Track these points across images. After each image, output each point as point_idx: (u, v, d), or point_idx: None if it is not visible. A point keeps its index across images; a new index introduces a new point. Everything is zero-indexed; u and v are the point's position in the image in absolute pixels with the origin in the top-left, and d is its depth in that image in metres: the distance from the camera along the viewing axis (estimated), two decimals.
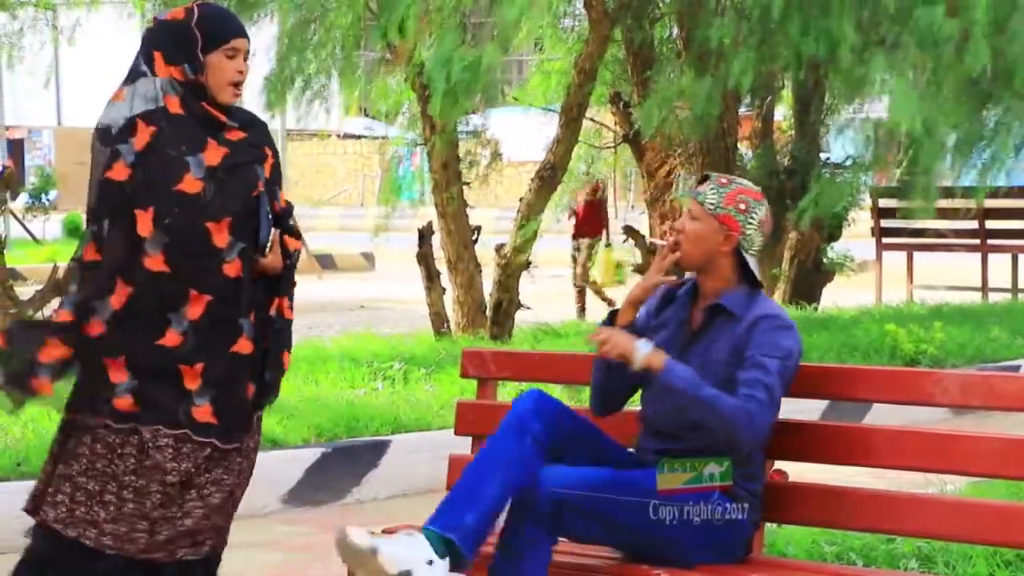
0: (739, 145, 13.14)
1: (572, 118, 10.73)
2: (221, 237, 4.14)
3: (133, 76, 4.21)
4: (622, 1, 10.85)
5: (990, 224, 15.64)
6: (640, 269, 13.13)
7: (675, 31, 12.41)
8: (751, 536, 4.32)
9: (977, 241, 15.68)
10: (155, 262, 4.10)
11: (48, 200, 25.80)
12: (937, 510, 4.24)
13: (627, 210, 26.45)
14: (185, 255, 4.11)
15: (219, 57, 4.18)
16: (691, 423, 4.20)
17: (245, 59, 4.23)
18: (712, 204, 4.33)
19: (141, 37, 4.30)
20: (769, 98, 13.72)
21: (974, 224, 15.63)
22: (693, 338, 4.33)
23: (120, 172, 4.11)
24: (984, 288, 15.57)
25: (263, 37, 11.10)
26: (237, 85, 4.22)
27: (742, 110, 13.68)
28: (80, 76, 27.05)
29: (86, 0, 11.48)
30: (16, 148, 36.96)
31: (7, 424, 7.25)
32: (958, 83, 9.31)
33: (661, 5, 11.67)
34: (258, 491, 7.17)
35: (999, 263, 15.82)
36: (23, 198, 25.52)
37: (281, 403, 7.95)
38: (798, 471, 4.46)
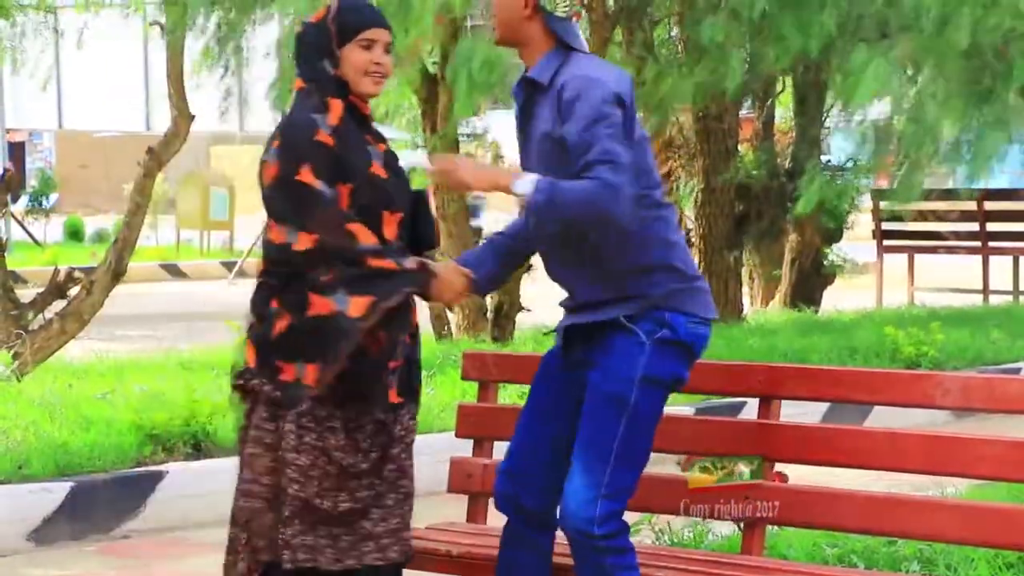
0: (740, 147, 13.14)
1: None
2: (391, 230, 4.13)
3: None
4: (622, 3, 10.86)
5: (991, 226, 15.63)
6: None
7: (675, 32, 12.42)
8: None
9: (978, 243, 15.68)
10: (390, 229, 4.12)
11: (49, 203, 25.81)
12: (939, 513, 4.24)
13: None
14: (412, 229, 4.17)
15: (353, 49, 4.17)
16: (569, 244, 4.05)
17: (386, 51, 4.20)
18: None
19: (295, 40, 4.35)
20: (769, 100, 13.72)
21: (975, 226, 15.63)
22: (523, 122, 4.18)
23: (325, 137, 4.10)
24: (985, 290, 15.57)
25: (268, 36, 11.09)
26: (375, 75, 4.18)
27: (743, 112, 13.69)
28: (81, 79, 27.06)
29: (87, 3, 11.49)
30: (17, 151, 36.95)
31: (8, 427, 7.26)
32: (956, 79, 9.30)
33: (661, 7, 11.67)
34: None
35: (1000, 265, 15.82)
36: (24, 201, 25.53)
37: None
38: (799, 473, 4.46)
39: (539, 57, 4.09)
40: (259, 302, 4.15)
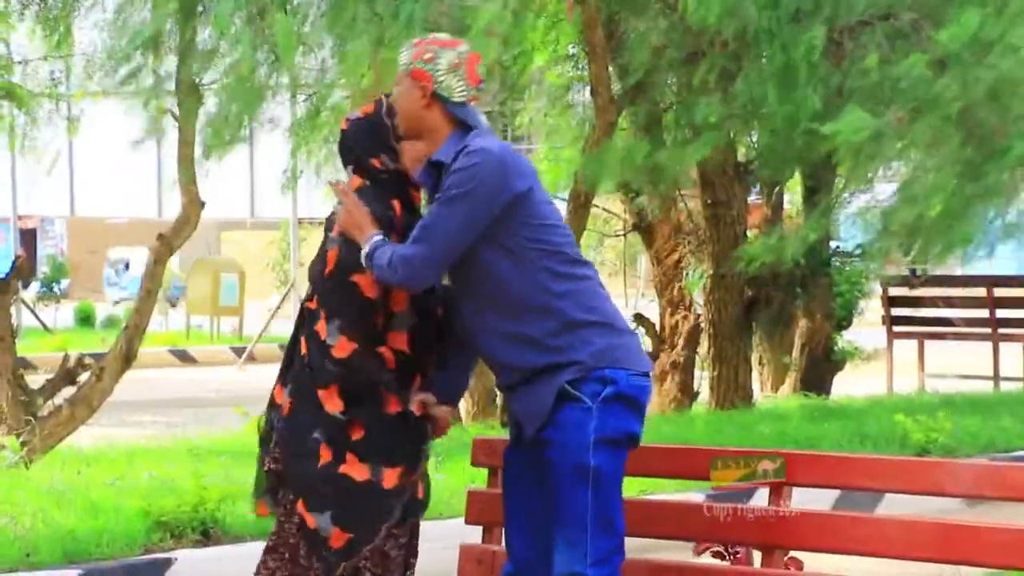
0: (749, 233, 13.17)
1: (580, 205, 10.76)
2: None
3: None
4: (627, 88, 10.93)
5: (1001, 313, 15.63)
6: (650, 356, 13.13)
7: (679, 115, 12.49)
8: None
9: (988, 330, 15.67)
10: (400, 340, 4.24)
11: (60, 289, 25.87)
12: None
13: (637, 297, 26.45)
14: (424, 337, 4.29)
15: (408, 142, 4.31)
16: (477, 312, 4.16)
17: None
18: (404, 63, 4.30)
19: (340, 135, 4.44)
20: (778, 186, 13.76)
21: (985, 313, 15.63)
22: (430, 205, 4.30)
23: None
24: (996, 377, 15.53)
25: (280, 124, 11.18)
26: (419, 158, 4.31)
27: (752, 198, 13.73)
28: (93, 166, 27.24)
29: (98, 91, 11.60)
30: (28, 237, 37.14)
31: (16, 514, 7.23)
32: (952, 155, 9.32)
33: (667, 92, 11.75)
34: None
35: (1010, 352, 15.79)
36: (35, 287, 25.61)
37: None
38: (811, 561, 4.43)
39: (442, 142, 4.22)
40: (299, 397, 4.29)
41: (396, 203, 4.28)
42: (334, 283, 4.18)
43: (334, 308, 4.16)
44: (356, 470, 4.14)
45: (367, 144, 4.31)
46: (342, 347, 4.12)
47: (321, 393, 4.17)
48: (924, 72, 8.71)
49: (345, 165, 4.40)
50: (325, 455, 4.15)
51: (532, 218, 4.12)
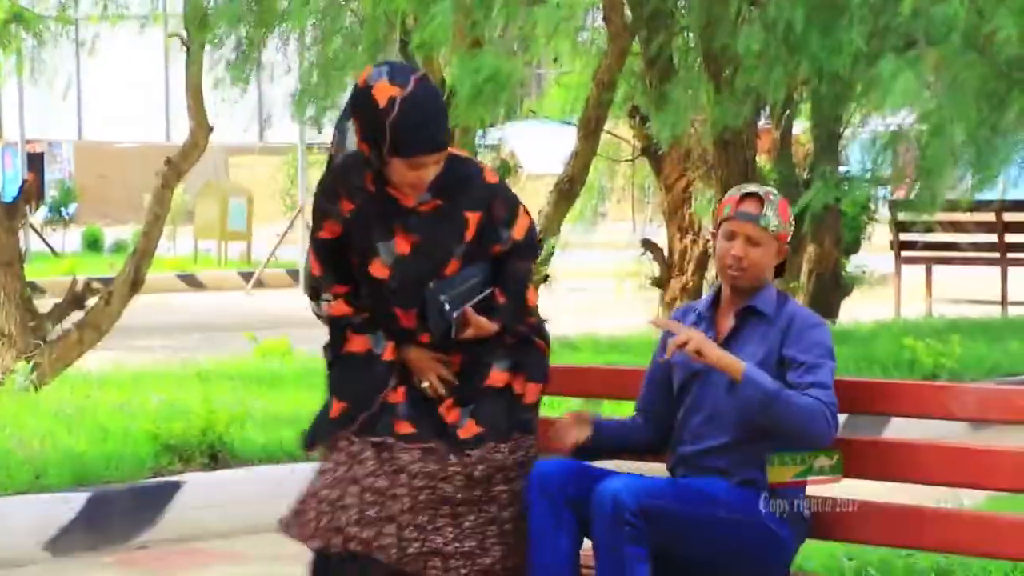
0: (758, 158, 13.12)
1: (590, 131, 10.73)
2: (409, 320, 4.22)
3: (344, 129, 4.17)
4: (641, 14, 10.86)
5: (1010, 238, 15.60)
6: (658, 283, 13.13)
7: (694, 43, 12.40)
8: (790, 562, 4.33)
9: (997, 255, 15.64)
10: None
11: (68, 213, 25.88)
12: (956, 524, 4.23)
13: (645, 223, 26.40)
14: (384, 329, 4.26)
15: (401, 165, 4.06)
16: (750, 428, 4.20)
17: (437, 163, 4.08)
18: (776, 225, 4.33)
19: (351, 93, 4.15)
20: (788, 111, 13.69)
21: (994, 238, 15.60)
22: (723, 344, 4.31)
23: (331, 230, 4.22)
24: (1004, 302, 15.53)
25: (287, 50, 11.14)
26: (417, 188, 4.11)
27: (761, 123, 13.67)
28: (101, 90, 27.16)
29: (108, 15, 11.53)
30: (36, 162, 37.08)
31: (26, 437, 7.27)
32: (978, 90, 9.26)
33: (681, 18, 11.67)
34: (277, 504, 7.18)
35: (1018, 276, 15.78)
36: (43, 211, 25.61)
37: (300, 415, 7.96)
38: (815, 486, 4.45)
39: (763, 289, 4.38)
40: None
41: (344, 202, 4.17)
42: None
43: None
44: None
45: (364, 128, 4.09)
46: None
47: None
48: (960, 11, 8.65)
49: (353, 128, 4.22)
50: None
51: None
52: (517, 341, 4.31)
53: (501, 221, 4.23)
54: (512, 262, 4.27)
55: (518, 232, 4.26)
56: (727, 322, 4.39)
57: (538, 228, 10.88)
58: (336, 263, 4.25)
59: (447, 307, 4.15)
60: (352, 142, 4.11)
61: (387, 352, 4.23)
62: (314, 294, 4.32)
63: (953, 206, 13.46)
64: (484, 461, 4.18)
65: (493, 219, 4.21)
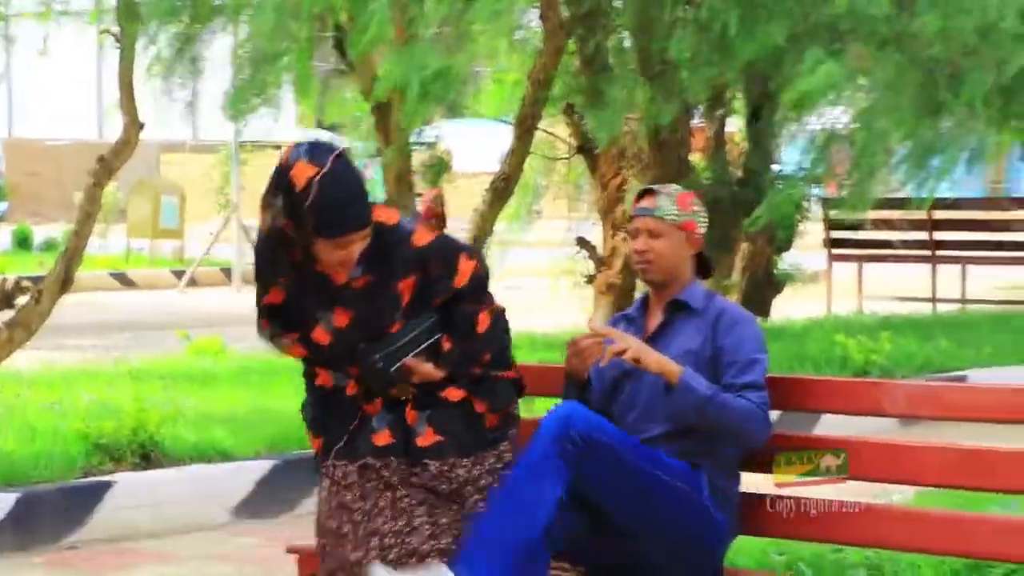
0: (692, 156, 13.17)
1: (526, 129, 10.73)
2: (351, 387, 4.21)
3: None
4: (577, 12, 10.87)
5: (939, 235, 15.76)
6: (592, 280, 13.15)
7: (629, 43, 12.44)
8: (724, 553, 4.35)
9: (927, 252, 15.80)
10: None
11: None
12: (886, 520, 4.27)
13: (580, 222, 26.44)
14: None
15: (326, 245, 4.02)
16: (684, 428, 4.24)
17: (364, 239, 4.04)
18: (674, 215, 4.39)
19: (274, 170, 4.10)
20: (722, 109, 13.76)
21: (924, 235, 15.75)
22: (651, 339, 4.36)
23: (275, 296, 4.21)
24: (933, 299, 15.69)
25: (220, 47, 11.05)
26: (347, 266, 4.08)
27: (695, 121, 13.72)
28: (32, 87, 26.90)
29: (41, 12, 11.42)
30: None
31: None
32: (909, 90, 9.35)
33: (616, 17, 11.69)
34: (208, 503, 7.16)
35: (948, 274, 15.95)
36: None
37: (232, 414, 7.95)
38: (748, 481, 4.47)
39: (682, 285, 4.44)
40: None
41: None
42: None
43: None
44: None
45: (288, 209, 4.03)
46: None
47: None
48: (888, 8, 8.72)
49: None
50: None
51: None
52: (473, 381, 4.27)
53: (439, 278, 4.19)
54: (458, 307, 4.23)
55: (460, 280, 4.21)
56: (655, 320, 4.43)
57: (473, 225, 10.92)
58: (283, 322, 4.25)
59: (381, 365, 4.15)
60: (278, 219, 4.07)
61: (350, 387, 4.24)
62: (270, 337, 4.31)
63: (885, 204, 13.59)
64: (445, 478, 4.16)
65: (430, 278, 4.18)
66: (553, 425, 4.15)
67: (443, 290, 4.19)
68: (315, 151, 4.01)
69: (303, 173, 3.97)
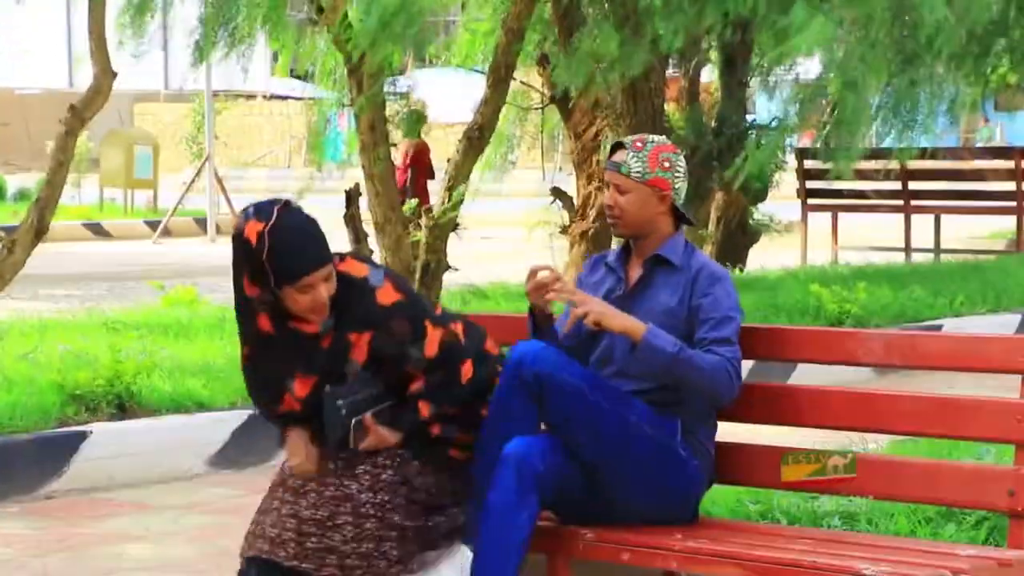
0: (667, 106, 13.15)
1: (499, 79, 10.69)
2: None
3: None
4: None
5: (913, 185, 15.81)
6: (567, 231, 13.16)
7: None
8: (699, 499, 4.37)
9: (901, 202, 15.85)
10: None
11: None
12: (860, 468, 4.29)
13: (554, 172, 26.44)
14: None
15: (291, 292, 4.11)
16: (657, 384, 4.26)
17: (328, 279, 4.13)
18: (639, 172, 4.36)
19: (232, 244, 4.21)
20: (696, 59, 13.74)
21: (898, 185, 15.80)
22: (631, 293, 4.37)
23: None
24: (907, 249, 15.75)
25: None
26: (319, 311, 4.15)
27: (669, 71, 13.70)
28: (1, 36, 26.66)
29: None
30: None
31: None
32: (886, 42, 9.34)
33: None
34: (184, 454, 7.16)
35: (922, 224, 16.00)
36: None
37: (208, 365, 7.94)
38: (723, 430, 4.49)
39: (661, 240, 4.41)
40: None
41: (264, 318, 4.21)
42: None
43: None
44: None
45: (251, 272, 4.15)
46: None
47: None
48: None
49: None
50: None
51: None
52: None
53: (404, 339, 4.21)
54: (432, 376, 4.26)
55: (430, 349, 4.24)
56: (636, 271, 4.43)
57: (448, 176, 10.89)
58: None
59: (343, 412, 4.18)
60: (242, 289, 4.19)
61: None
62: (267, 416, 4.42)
63: (861, 154, 13.61)
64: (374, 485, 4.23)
65: (394, 337, 4.20)
66: (507, 371, 4.21)
67: (412, 358, 4.22)
68: (260, 209, 4.16)
69: (253, 230, 4.11)
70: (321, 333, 4.19)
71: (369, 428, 4.20)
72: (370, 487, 4.18)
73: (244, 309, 4.23)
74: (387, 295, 4.22)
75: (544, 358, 4.20)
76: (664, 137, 4.53)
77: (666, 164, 4.38)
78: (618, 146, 4.45)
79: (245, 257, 4.13)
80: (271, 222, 4.10)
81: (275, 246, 4.07)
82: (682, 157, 4.44)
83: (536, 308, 4.40)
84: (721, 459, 4.40)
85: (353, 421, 4.17)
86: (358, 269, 4.26)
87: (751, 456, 4.44)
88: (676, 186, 4.39)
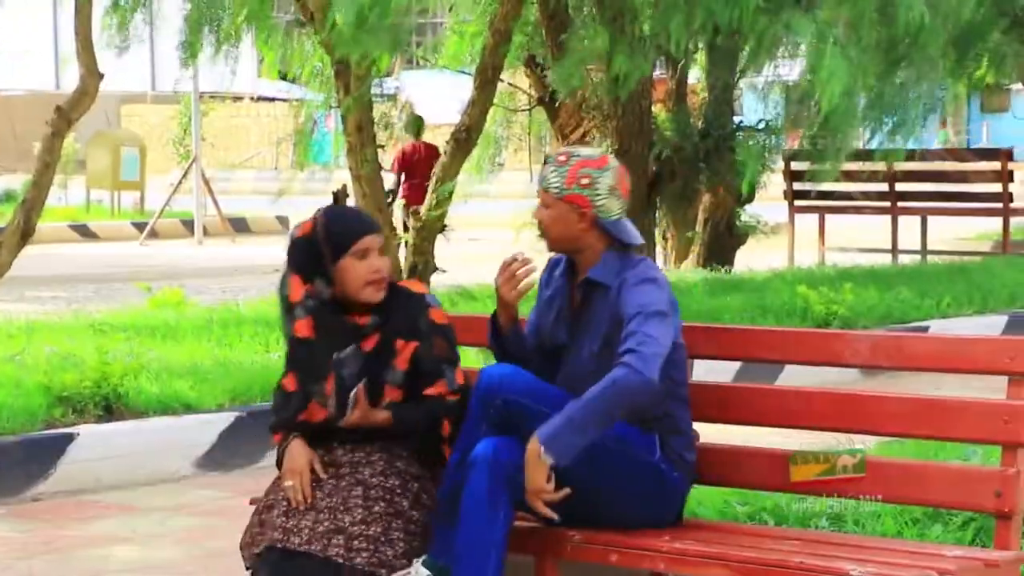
0: (653, 108, 13.17)
1: (487, 80, 10.69)
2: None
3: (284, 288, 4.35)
4: None
5: (900, 187, 15.83)
6: None
7: None
8: (682, 507, 4.37)
9: (887, 204, 15.87)
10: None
11: None
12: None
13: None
14: None
15: (349, 261, 4.28)
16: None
17: (382, 252, 4.31)
18: (556, 188, 4.28)
19: (287, 251, 4.39)
20: (683, 61, 13.75)
21: (884, 187, 15.82)
22: (576, 319, 4.34)
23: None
24: (894, 250, 15.77)
25: None
26: (376, 282, 4.29)
27: (656, 72, 13.71)
28: None
29: None
30: None
31: None
32: (873, 44, 9.35)
33: None
34: (171, 456, 7.15)
35: (909, 225, 16.03)
36: None
37: (195, 366, 7.93)
38: (710, 432, 4.50)
39: (595, 258, 4.30)
40: None
41: (303, 323, 4.31)
42: None
43: None
44: None
45: (304, 269, 4.32)
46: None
47: None
48: None
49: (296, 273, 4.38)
50: None
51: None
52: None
53: (444, 358, 4.38)
54: (453, 405, 4.40)
55: (460, 378, 4.42)
56: (577, 292, 4.37)
57: (435, 177, 10.88)
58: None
59: (347, 383, 4.29)
60: (292, 293, 4.33)
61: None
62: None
63: (847, 156, 13.64)
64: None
65: (435, 354, 4.36)
66: (476, 396, 4.22)
67: (447, 378, 4.38)
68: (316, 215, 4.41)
69: (306, 225, 4.38)
70: (367, 329, 4.31)
71: (359, 402, 4.28)
72: (382, 472, 4.27)
73: (287, 317, 4.36)
74: (439, 315, 4.42)
75: (512, 383, 4.18)
76: (597, 151, 4.43)
77: (584, 181, 4.24)
78: (547, 160, 4.39)
79: (298, 251, 4.33)
80: (321, 211, 4.38)
81: (329, 221, 4.33)
82: (610, 173, 4.28)
83: (504, 304, 4.36)
84: (708, 460, 4.40)
85: (353, 391, 4.26)
86: (418, 287, 4.52)
87: (738, 457, 4.44)
88: (598, 203, 4.24)
